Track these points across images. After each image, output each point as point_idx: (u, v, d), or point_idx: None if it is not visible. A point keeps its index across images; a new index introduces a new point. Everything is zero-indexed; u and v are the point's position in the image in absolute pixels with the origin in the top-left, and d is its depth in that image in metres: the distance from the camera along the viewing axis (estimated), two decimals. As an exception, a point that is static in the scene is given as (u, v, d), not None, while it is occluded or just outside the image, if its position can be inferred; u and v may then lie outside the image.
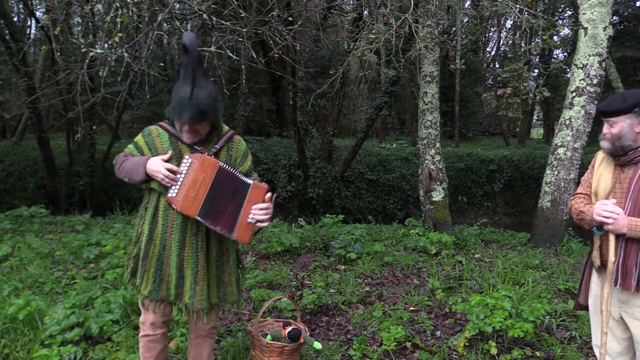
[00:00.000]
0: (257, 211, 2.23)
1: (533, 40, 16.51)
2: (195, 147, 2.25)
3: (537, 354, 3.24)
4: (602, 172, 2.26)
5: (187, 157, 2.18)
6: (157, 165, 2.16)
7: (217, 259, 2.36)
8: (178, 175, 2.16)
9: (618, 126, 2.14)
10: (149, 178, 2.20)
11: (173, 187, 2.16)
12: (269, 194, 2.27)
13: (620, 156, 2.17)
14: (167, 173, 2.15)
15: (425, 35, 6.04)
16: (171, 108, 2.15)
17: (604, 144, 2.20)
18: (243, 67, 6.29)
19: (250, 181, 2.26)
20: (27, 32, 17.23)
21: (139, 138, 2.34)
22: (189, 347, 2.58)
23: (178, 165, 2.20)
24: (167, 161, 2.20)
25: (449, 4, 7.32)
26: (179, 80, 2.18)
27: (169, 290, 2.27)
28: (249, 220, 2.24)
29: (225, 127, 2.39)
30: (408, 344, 3.31)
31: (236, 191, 2.23)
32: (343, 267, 4.93)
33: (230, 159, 2.33)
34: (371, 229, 6.82)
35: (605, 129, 2.19)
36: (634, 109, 2.11)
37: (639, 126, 2.12)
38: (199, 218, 2.15)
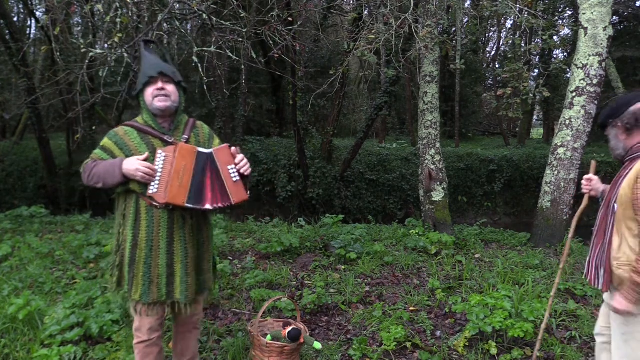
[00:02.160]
0: (234, 167, 2.26)
1: (533, 40, 16.51)
2: (166, 139, 2.27)
3: (537, 354, 3.24)
4: None
5: (160, 151, 2.19)
6: (134, 165, 2.14)
7: (198, 248, 2.38)
8: (155, 171, 2.17)
9: (610, 138, 2.25)
10: (125, 180, 2.17)
11: (152, 184, 2.16)
12: (233, 148, 2.31)
13: (628, 158, 2.22)
14: (147, 170, 2.13)
15: (425, 35, 6.04)
16: (140, 77, 2.28)
17: (611, 152, 2.30)
18: (243, 67, 6.29)
19: (209, 150, 2.27)
20: (27, 32, 17.23)
21: (106, 141, 2.29)
22: (174, 341, 2.58)
23: (153, 160, 2.20)
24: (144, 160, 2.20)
25: (449, 4, 7.32)
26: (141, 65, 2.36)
27: (160, 291, 2.26)
28: (234, 180, 2.25)
29: (185, 116, 2.42)
30: (408, 344, 3.31)
31: (205, 165, 2.23)
32: (343, 267, 4.93)
33: (199, 144, 2.36)
34: (371, 229, 6.82)
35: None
36: (607, 121, 2.24)
37: (623, 134, 2.18)
38: (187, 205, 2.14)
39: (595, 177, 2.50)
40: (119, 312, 3.31)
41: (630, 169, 2.10)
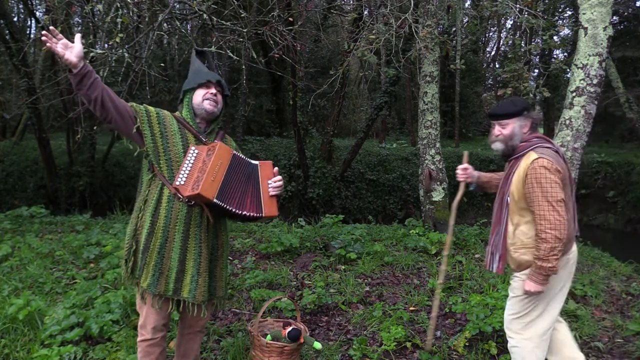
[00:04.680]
0: (274, 184, 2.38)
1: (533, 40, 16.52)
2: (201, 137, 2.35)
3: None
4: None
5: (193, 148, 2.26)
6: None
7: (212, 253, 2.40)
8: (184, 165, 2.22)
9: (510, 127, 2.47)
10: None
11: (180, 176, 2.21)
12: (276, 168, 2.43)
13: (511, 155, 2.51)
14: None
15: (425, 35, 6.04)
16: (197, 77, 2.38)
17: (498, 145, 2.52)
18: (243, 67, 6.29)
19: (256, 162, 2.40)
20: (27, 32, 17.23)
21: (151, 107, 2.35)
22: (178, 342, 2.58)
23: (184, 153, 2.27)
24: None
25: (449, 4, 7.33)
26: (193, 67, 2.48)
27: (168, 285, 2.27)
28: (271, 194, 2.37)
29: (217, 127, 2.52)
30: (408, 344, 3.31)
31: (249, 174, 2.35)
32: (343, 267, 4.93)
33: None
34: (371, 229, 6.81)
35: (497, 131, 2.51)
36: (523, 112, 2.46)
37: (526, 127, 2.47)
38: (216, 200, 2.19)
39: (470, 166, 2.83)
40: (119, 312, 3.31)
41: (517, 167, 2.43)
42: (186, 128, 2.35)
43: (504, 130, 2.47)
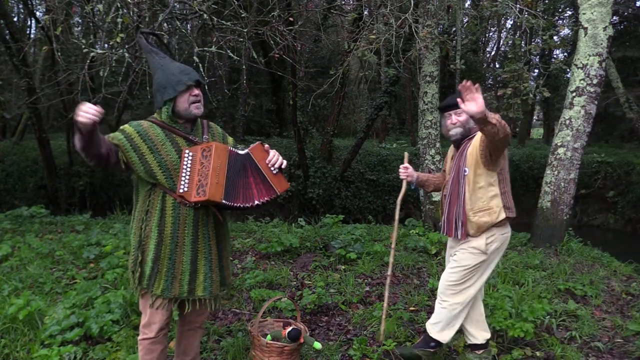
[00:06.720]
0: (272, 161, 2.37)
1: (533, 40, 16.51)
2: (191, 138, 2.30)
3: (537, 354, 3.24)
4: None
5: (187, 151, 2.23)
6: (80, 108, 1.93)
7: (218, 245, 2.42)
8: (183, 171, 2.20)
9: (465, 115, 2.74)
10: (82, 134, 1.97)
11: (182, 183, 2.20)
12: (266, 145, 2.43)
13: (465, 138, 2.80)
14: (88, 109, 1.90)
15: (425, 35, 6.04)
16: (174, 82, 2.21)
17: (457, 130, 2.81)
18: (243, 67, 6.30)
19: (245, 150, 2.37)
20: (27, 32, 17.23)
21: (126, 127, 2.25)
22: (178, 339, 2.59)
23: (179, 158, 2.23)
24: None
25: (449, 4, 7.33)
26: (156, 69, 2.34)
27: (182, 287, 2.28)
28: (274, 172, 2.37)
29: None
30: (408, 344, 3.31)
31: (245, 165, 2.32)
32: (343, 267, 4.93)
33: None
34: (371, 229, 6.81)
35: (454, 119, 2.81)
36: None
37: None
38: (224, 202, 2.18)
39: (410, 166, 3.14)
40: (119, 312, 3.31)
41: (470, 144, 2.75)
42: (173, 132, 2.28)
43: (460, 117, 2.78)
